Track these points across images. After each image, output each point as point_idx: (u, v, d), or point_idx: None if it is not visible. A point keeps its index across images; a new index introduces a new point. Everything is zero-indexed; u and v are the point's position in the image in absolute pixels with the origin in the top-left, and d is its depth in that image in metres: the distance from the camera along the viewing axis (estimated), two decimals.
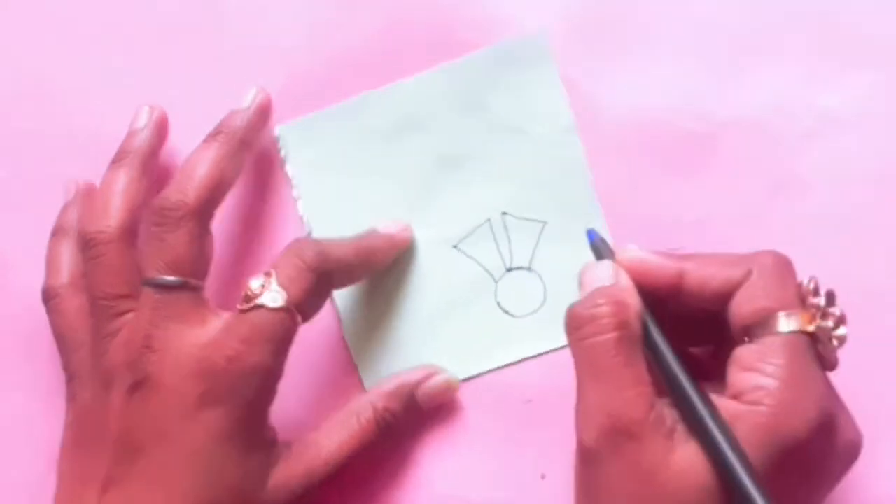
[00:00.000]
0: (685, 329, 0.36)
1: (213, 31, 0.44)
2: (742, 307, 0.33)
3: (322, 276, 0.37)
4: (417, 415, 0.41)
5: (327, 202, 0.43)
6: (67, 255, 0.41)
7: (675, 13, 0.42)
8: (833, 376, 0.34)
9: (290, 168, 0.43)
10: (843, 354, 0.40)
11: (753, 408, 0.31)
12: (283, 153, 0.43)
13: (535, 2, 0.43)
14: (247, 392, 0.36)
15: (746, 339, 0.33)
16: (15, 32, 0.45)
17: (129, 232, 0.39)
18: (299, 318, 0.37)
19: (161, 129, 0.42)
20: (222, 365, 0.36)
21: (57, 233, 0.42)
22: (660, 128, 0.42)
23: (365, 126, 0.43)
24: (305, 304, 0.37)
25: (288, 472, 0.38)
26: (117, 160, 0.41)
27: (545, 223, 0.42)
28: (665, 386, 0.33)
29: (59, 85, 0.44)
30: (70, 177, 0.43)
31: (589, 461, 0.32)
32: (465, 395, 0.42)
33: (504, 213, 0.42)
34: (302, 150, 0.43)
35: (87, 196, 0.42)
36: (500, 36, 0.43)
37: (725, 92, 0.42)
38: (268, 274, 0.37)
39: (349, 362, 0.43)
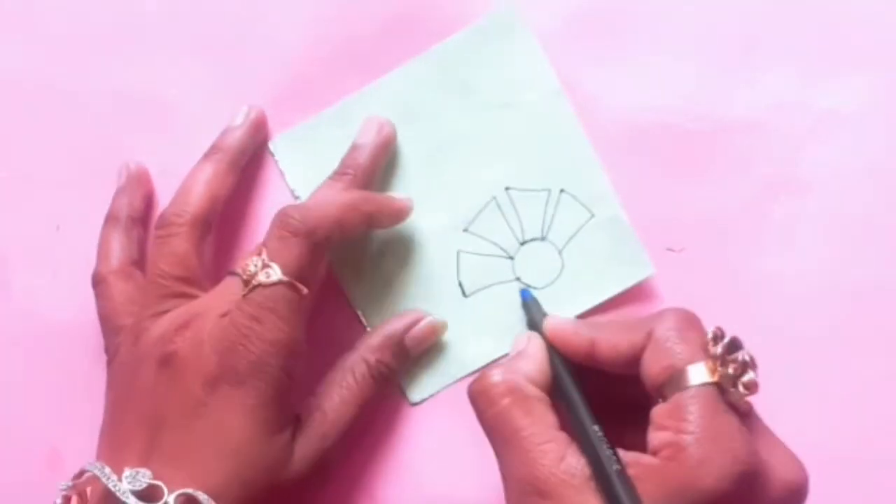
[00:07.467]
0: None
1: (212, 31, 0.44)
2: (650, 368, 0.33)
3: (310, 238, 0.37)
4: (408, 361, 0.42)
5: None
6: (117, 243, 0.42)
7: (675, 14, 0.42)
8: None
9: (289, 179, 0.43)
10: (840, 354, 0.40)
11: (667, 463, 0.31)
12: (280, 165, 0.43)
13: (534, 2, 0.43)
14: (267, 369, 0.36)
15: (661, 399, 0.33)
16: (13, 33, 0.45)
17: (204, 222, 0.40)
18: (302, 289, 0.37)
19: (256, 130, 0.43)
20: (240, 342, 0.36)
21: (109, 220, 0.42)
22: (660, 128, 0.42)
23: (354, 128, 0.42)
24: (300, 272, 0.37)
25: (304, 442, 0.38)
26: (209, 154, 0.42)
27: (549, 191, 0.42)
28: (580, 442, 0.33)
29: (59, 86, 0.44)
30: (69, 177, 0.44)
31: None
32: (455, 396, 0.41)
33: (508, 189, 0.42)
34: (296, 159, 0.43)
35: (138, 180, 0.43)
36: None
37: (725, 92, 0.42)
38: (258, 253, 0.37)
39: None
